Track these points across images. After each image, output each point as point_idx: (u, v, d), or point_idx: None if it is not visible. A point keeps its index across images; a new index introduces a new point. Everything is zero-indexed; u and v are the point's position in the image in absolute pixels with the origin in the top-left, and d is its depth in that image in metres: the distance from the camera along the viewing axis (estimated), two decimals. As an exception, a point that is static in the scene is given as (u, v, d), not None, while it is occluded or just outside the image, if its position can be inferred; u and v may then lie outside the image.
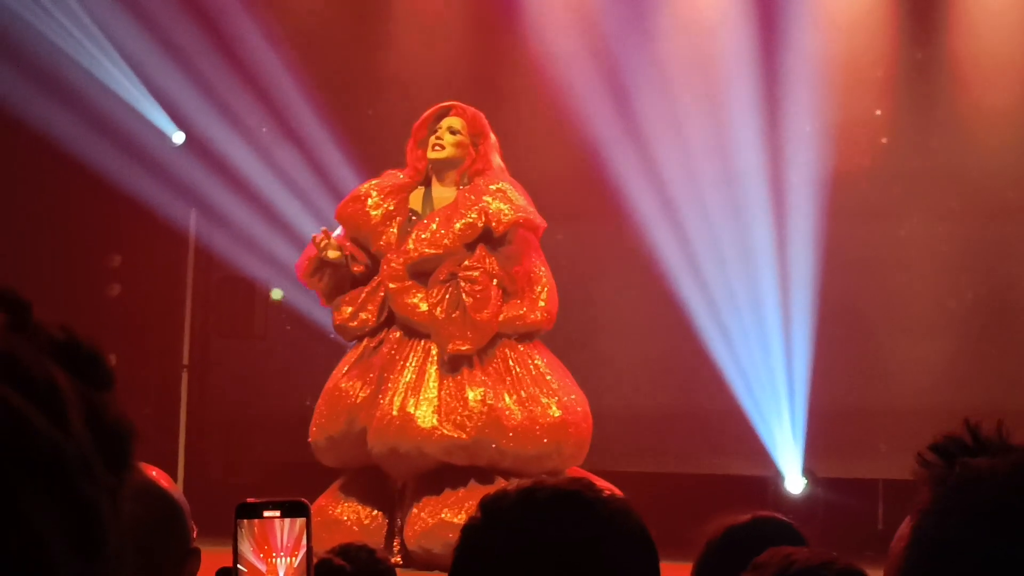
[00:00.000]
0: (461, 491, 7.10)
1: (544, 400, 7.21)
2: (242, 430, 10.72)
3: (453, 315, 7.14)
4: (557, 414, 7.21)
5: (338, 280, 7.57)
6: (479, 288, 7.15)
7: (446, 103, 7.50)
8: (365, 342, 7.48)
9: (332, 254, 7.42)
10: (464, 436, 7.05)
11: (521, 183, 7.54)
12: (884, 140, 9.89)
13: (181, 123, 10.38)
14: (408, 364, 7.25)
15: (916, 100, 9.88)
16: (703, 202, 9.77)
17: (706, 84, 9.77)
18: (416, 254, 7.25)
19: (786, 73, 9.70)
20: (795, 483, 9.67)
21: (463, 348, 7.15)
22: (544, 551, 1.47)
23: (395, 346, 7.32)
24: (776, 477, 9.68)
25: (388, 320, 7.47)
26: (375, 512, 7.41)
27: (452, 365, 7.19)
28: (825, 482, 9.68)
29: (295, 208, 10.27)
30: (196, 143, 10.36)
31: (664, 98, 9.74)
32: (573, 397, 7.34)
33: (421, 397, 7.13)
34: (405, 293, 7.29)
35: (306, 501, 1.64)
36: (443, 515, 6.99)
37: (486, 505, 1.53)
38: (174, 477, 10.01)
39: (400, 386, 7.18)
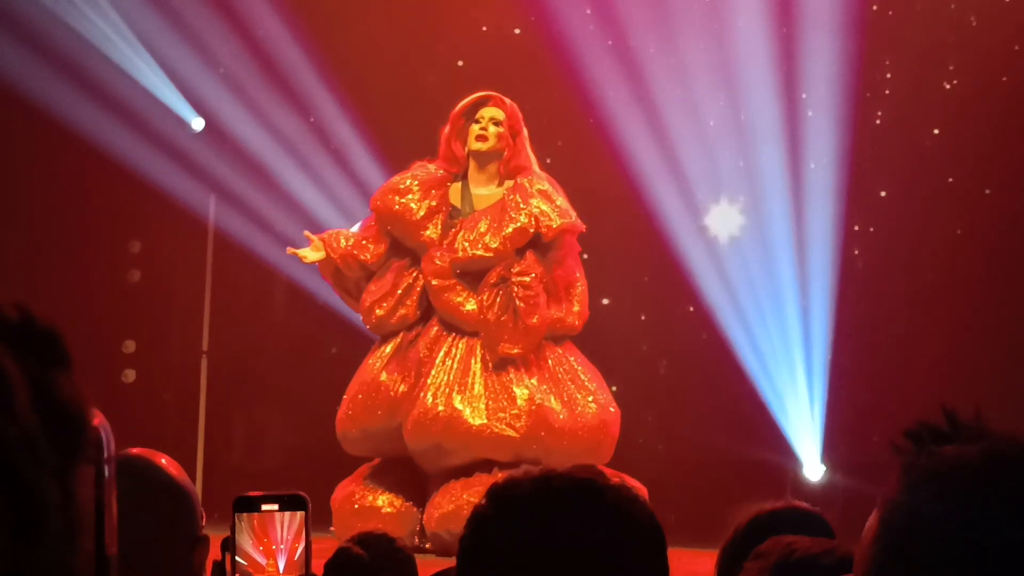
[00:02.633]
0: (484, 476, 7.10)
1: (582, 400, 7.28)
2: (262, 416, 10.73)
3: (503, 318, 7.15)
4: (596, 414, 7.29)
5: (342, 280, 7.66)
6: (532, 294, 7.18)
7: (483, 93, 7.45)
8: (402, 335, 7.48)
9: (311, 256, 7.49)
10: (515, 435, 7.10)
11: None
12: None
13: (200, 109, 10.38)
14: (449, 360, 7.26)
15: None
16: (721, 191, 9.78)
17: (724, 68, 9.76)
18: (465, 255, 7.25)
19: (806, 66, 9.71)
20: (814, 470, 9.65)
21: (513, 351, 7.19)
22: (553, 539, 1.47)
23: (433, 342, 7.33)
24: (795, 464, 9.67)
25: (425, 314, 7.47)
26: (407, 500, 7.41)
27: (497, 364, 7.22)
28: (844, 469, 9.66)
29: (314, 194, 10.27)
30: (215, 129, 10.36)
31: (684, 93, 9.76)
32: (606, 396, 7.40)
33: (467, 394, 7.14)
34: (449, 291, 7.29)
35: (304, 494, 1.64)
36: (465, 497, 6.99)
37: (497, 493, 1.52)
38: (193, 463, 10.07)
39: (442, 382, 7.19)
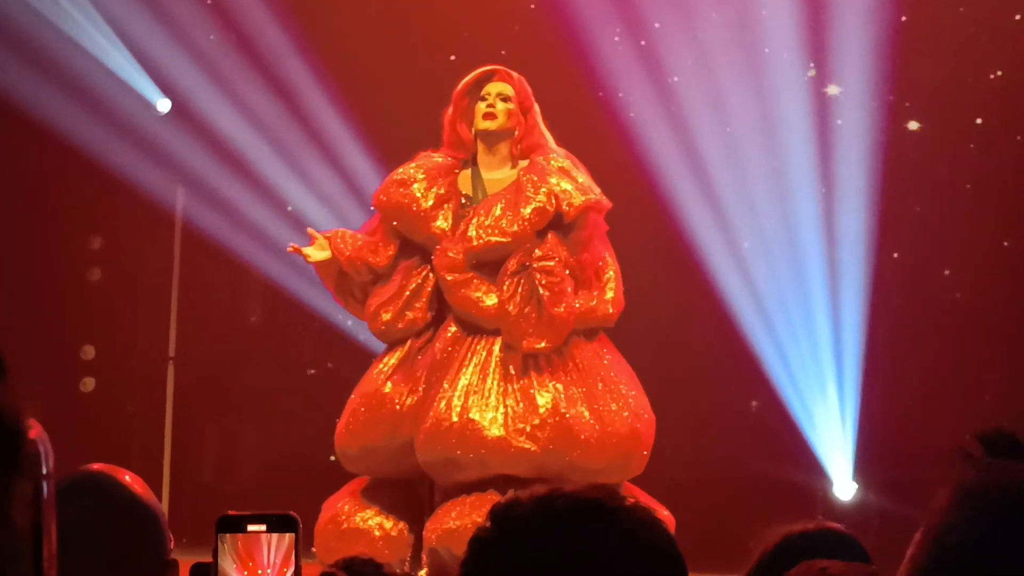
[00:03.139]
0: (493, 495, 7.05)
1: (614, 407, 7.15)
2: (236, 429, 10.73)
3: (526, 310, 7.06)
4: (627, 423, 7.15)
5: (346, 285, 7.52)
6: (556, 280, 7.06)
7: (487, 67, 7.39)
8: (409, 342, 7.37)
9: (316, 255, 7.37)
10: (535, 448, 6.98)
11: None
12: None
13: (167, 89, 10.38)
14: (467, 364, 7.15)
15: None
16: (750, 197, 9.86)
17: (752, 70, 9.84)
18: (480, 243, 7.13)
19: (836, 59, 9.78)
20: (845, 489, 9.67)
21: (539, 346, 7.05)
22: (560, 565, 1.47)
23: (450, 344, 7.20)
24: (824, 483, 9.68)
25: (436, 318, 7.36)
26: (401, 522, 7.34)
27: (518, 366, 7.10)
28: (878, 487, 9.68)
29: (293, 184, 10.26)
30: (184, 112, 10.36)
31: (708, 87, 9.82)
32: (640, 401, 7.27)
33: (484, 402, 7.04)
34: (466, 285, 7.18)
35: (295, 515, 1.64)
36: (474, 517, 6.95)
37: (497, 514, 1.53)
38: (159, 481, 10.06)
39: (458, 388, 7.08)
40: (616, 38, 9.99)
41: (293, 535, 1.63)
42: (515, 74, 7.36)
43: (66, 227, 10.48)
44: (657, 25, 9.93)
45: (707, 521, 8.79)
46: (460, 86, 7.38)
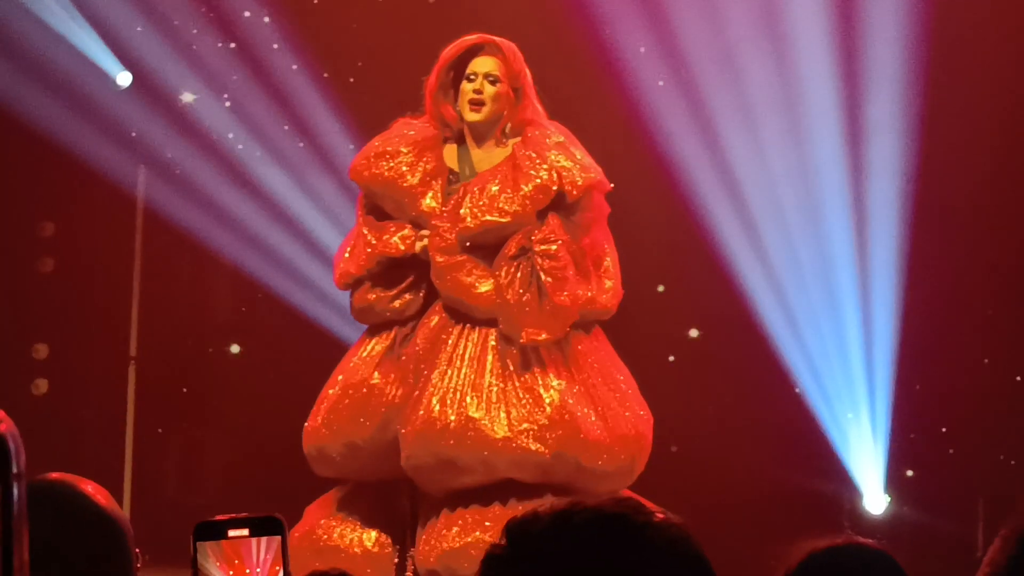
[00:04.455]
0: (497, 508, 7.07)
1: (615, 406, 7.20)
2: (202, 437, 10.74)
3: (524, 297, 7.08)
4: (632, 424, 7.20)
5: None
6: (559, 266, 7.07)
7: (472, 37, 7.36)
8: (395, 330, 7.40)
9: (420, 245, 7.33)
10: (544, 450, 6.99)
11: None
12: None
13: (127, 61, 10.38)
14: (458, 357, 7.15)
15: None
16: (778, 200, 9.95)
17: (781, 77, 9.91)
18: (476, 223, 7.14)
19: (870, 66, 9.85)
20: (875, 501, 9.69)
21: (540, 338, 7.06)
22: None
23: (433, 333, 7.23)
24: (853, 494, 9.71)
25: (424, 306, 7.34)
26: (383, 536, 7.35)
27: (516, 360, 7.11)
28: (912, 500, 9.71)
29: (265, 164, 10.27)
30: (145, 85, 10.36)
31: (738, 95, 9.92)
32: (639, 401, 7.31)
33: (483, 399, 7.04)
34: (457, 269, 7.18)
35: (280, 516, 1.65)
36: (477, 534, 6.96)
37: (513, 530, 1.54)
38: (119, 493, 10.07)
39: (452, 384, 7.07)
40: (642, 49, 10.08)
41: (279, 538, 1.62)
42: (504, 44, 7.31)
43: (14, 212, 10.48)
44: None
45: (726, 535, 8.81)
46: (441, 60, 7.35)
